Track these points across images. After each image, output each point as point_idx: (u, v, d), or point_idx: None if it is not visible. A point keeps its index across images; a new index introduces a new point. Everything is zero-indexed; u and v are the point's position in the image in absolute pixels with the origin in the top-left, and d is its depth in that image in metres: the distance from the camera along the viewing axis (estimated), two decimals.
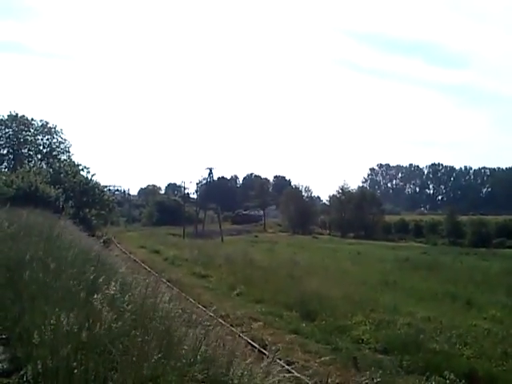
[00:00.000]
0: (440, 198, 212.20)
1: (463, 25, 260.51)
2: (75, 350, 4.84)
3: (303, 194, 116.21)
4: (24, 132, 60.60)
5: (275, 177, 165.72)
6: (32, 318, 6.10)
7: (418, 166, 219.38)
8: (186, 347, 5.76)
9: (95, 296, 5.70)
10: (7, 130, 60.09)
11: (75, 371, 4.64)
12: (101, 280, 7.16)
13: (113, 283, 6.29)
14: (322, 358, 11.33)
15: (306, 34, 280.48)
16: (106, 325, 5.16)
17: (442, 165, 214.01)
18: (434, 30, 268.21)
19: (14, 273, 8.29)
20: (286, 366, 11.90)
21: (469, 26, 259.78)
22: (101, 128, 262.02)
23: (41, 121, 61.99)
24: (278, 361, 8.38)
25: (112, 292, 6.05)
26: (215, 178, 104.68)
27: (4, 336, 6.88)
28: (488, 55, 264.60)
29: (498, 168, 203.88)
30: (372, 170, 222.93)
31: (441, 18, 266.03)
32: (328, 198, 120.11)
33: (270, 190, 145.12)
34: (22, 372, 5.09)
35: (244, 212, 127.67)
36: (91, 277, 7.57)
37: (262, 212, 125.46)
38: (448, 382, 13.51)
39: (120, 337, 5.30)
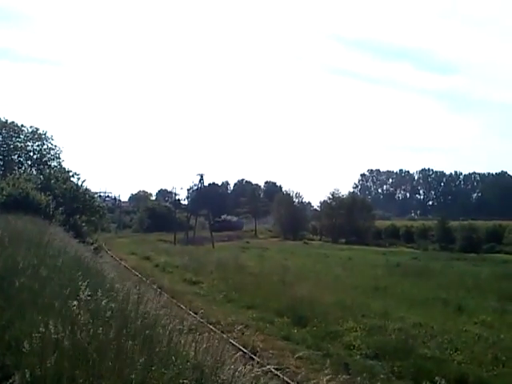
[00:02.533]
0: (430, 203, 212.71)
1: (452, 31, 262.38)
2: (63, 357, 4.82)
3: (294, 199, 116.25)
4: (14, 138, 60.23)
5: (266, 183, 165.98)
6: (21, 326, 6.07)
7: (408, 172, 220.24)
8: (175, 353, 5.75)
9: (75, 303, 5.67)
10: None
11: (63, 379, 4.62)
12: (89, 288, 7.13)
13: (99, 291, 6.27)
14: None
15: (295, 40, 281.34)
16: (91, 332, 5.14)
17: (432, 170, 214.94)
18: (424, 36, 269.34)
19: (4, 280, 8.25)
20: (277, 372, 11.89)
21: (458, 32, 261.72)
22: (91, 134, 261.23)
23: (31, 127, 61.62)
24: (268, 366, 8.38)
25: (96, 297, 6.04)
26: (206, 183, 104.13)
27: None
28: (477, 61, 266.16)
29: (488, 173, 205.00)
30: (362, 175, 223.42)
31: (430, 25, 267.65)
32: (319, 204, 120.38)
33: (261, 195, 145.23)
34: (10, 380, 5.06)
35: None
36: (80, 284, 7.54)
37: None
38: None
39: (106, 344, 5.28)
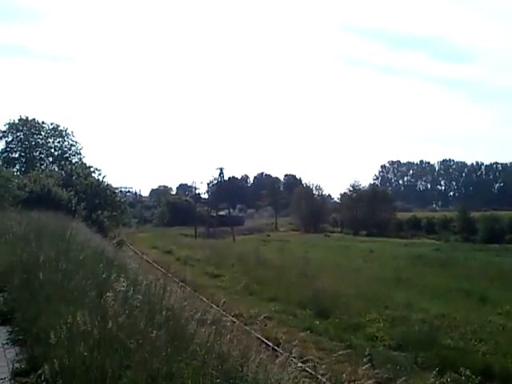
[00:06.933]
0: (452, 194, 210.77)
1: (469, 19, 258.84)
2: (91, 348, 4.88)
3: (314, 192, 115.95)
4: (35, 135, 61.07)
5: (286, 175, 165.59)
6: (48, 319, 6.15)
7: (428, 163, 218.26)
8: (199, 344, 5.79)
9: (108, 294, 5.75)
10: (18, 134, 60.58)
11: (91, 369, 4.68)
12: (113, 278, 7.22)
13: (125, 281, 6.34)
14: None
15: (309, 30, 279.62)
16: (119, 322, 5.19)
17: (453, 161, 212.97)
18: (440, 25, 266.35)
19: (29, 274, 8.36)
20: (300, 363, 11.89)
21: (475, 19, 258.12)
22: (112, 130, 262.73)
23: (51, 124, 62.49)
24: (292, 357, 8.38)
25: (123, 289, 6.10)
26: (226, 177, 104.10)
27: (21, 337, 6.98)
28: (496, 49, 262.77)
29: (510, 163, 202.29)
30: (383, 167, 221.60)
31: (446, 12, 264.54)
32: (339, 196, 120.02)
33: (281, 188, 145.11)
34: (39, 371, 5.14)
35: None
36: (103, 276, 7.63)
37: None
38: (464, 378, 13.45)
39: (133, 334, 5.33)
